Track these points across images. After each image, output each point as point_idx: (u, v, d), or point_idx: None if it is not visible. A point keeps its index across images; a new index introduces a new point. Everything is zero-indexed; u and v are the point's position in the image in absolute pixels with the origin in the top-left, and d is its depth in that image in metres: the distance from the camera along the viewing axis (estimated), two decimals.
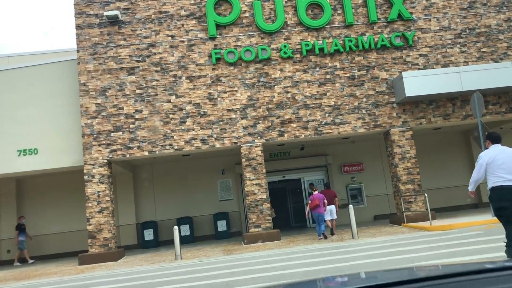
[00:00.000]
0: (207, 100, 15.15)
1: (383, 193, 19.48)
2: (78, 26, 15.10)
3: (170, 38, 15.28)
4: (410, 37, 15.69)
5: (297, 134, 15.18)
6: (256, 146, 15.08)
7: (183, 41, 15.30)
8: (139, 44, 15.17)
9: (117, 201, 18.13)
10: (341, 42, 15.65)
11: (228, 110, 15.15)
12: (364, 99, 15.47)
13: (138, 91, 15.03)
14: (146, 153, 14.80)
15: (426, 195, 13.61)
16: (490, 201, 6.26)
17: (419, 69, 15.64)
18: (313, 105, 15.33)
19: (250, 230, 14.72)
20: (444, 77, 14.80)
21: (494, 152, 6.15)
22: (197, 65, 15.26)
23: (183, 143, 14.93)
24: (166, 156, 16.22)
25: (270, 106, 15.25)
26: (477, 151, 15.87)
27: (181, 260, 12.54)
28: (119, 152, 14.72)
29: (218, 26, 15.35)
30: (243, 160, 15.05)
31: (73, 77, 15.32)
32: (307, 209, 15.60)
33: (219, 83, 15.24)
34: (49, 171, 15.52)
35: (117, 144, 14.73)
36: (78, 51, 15.01)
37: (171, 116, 15.02)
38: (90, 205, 14.37)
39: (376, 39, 15.68)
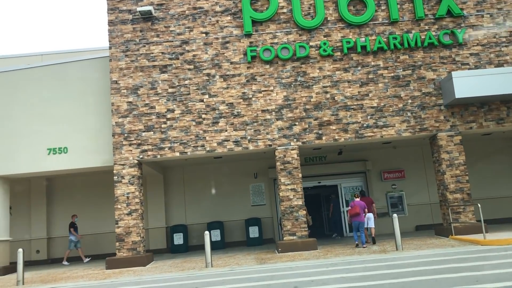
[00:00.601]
0: (241, 100, 14.45)
1: (426, 202, 18.28)
2: (110, 22, 14.70)
3: (204, 35, 14.68)
4: (460, 34, 14.56)
5: (336, 137, 14.27)
6: (292, 149, 14.26)
7: (217, 38, 14.67)
8: (172, 41, 14.63)
9: (146, 203, 17.64)
10: (385, 39, 14.67)
11: (263, 111, 14.40)
12: (410, 101, 14.42)
13: (170, 90, 14.47)
14: (177, 154, 14.21)
15: (479, 205, 12.44)
16: None
17: (469, 69, 14.48)
18: (354, 106, 14.39)
19: (284, 238, 13.88)
20: (498, 78, 13.61)
21: None
22: (231, 63, 14.60)
23: (215, 144, 14.27)
24: (197, 158, 15.62)
25: (307, 107, 14.41)
26: None
27: (212, 268, 11.83)
28: (150, 153, 14.18)
29: (254, 22, 14.65)
30: (278, 163, 14.25)
31: (104, 74, 14.92)
32: (348, 217, 14.80)
33: (254, 82, 14.52)
34: (78, 170, 15.14)
35: (148, 144, 14.20)
36: (110, 47, 14.60)
37: (203, 116, 14.39)
38: (119, 206, 13.87)
39: (423, 37, 14.62)
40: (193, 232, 17.92)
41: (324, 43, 14.56)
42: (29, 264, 17.08)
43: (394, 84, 14.52)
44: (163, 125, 14.31)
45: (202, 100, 14.45)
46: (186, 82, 14.51)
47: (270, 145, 14.27)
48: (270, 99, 14.45)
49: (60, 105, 14.89)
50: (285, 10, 14.73)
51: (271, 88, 14.50)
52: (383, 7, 14.80)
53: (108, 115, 14.65)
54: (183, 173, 18.63)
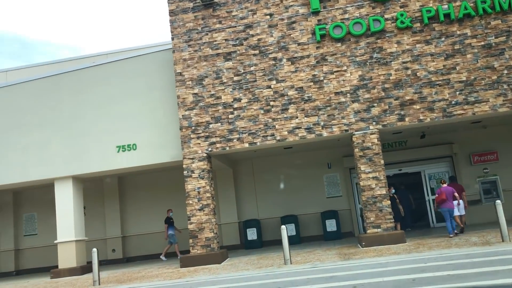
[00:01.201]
0: (312, 83, 13.38)
1: None
2: (171, 12, 14.19)
3: (268, 17, 13.76)
4: None
5: (421, 118, 12.80)
6: (371, 134, 12.99)
7: (282, 19, 13.69)
8: (235, 26, 13.85)
9: (218, 198, 17.10)
10: (472, 4, 12.96)
11: (336, 93, 13.24)
12: (505, 71, 12.63)
13: (236, 78, 13.71)
14: (246, 145, 13.43)
15: None
16: None
17: None
18: (440, 82, 12.84)
19: (367, 231, 12.67)
20: None
21: None
22: (299, 44, 13.56)
23: (286, 132, 13.32)
24: (267, 149, 14.78)
25: (386, 86, 13.06)
26: None
27: (291, 265, 10.91)
28: (218, 145, 13.52)
29: None
30: (356, 150, 13.04)
31: (169, 67, 14.46)
32: (435, 205, 13.39)
33: (324, 63, 13.40)
34: (148, 167, 14.84)
35: (216, 136, 13.55)
36: (172, 38, 14.09)
37: (271, 103, 13.49)
38: (190, 202, 13.34)
39: None
40: (267, 226, 17.13)
41: (401, 14, 13.12)
42: (106, 263, 17.14)
43: (486, 54, 12.79)
44: (230, 116, 13.59)
45: (269, 87, 13.55)
46: (252, 68, 13.68)
47: (346, 131, 13.09)
48: (343, 80, 13.26)
49: (127, 102, 14.64)
50: None
51: (344, 68, 13.29)
52: None
53: (175, 109, 14.18)
54: (253, 166, 17.88)
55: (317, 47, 13.48)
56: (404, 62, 13.04)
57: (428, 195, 16.74)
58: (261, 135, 13.40)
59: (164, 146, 14.23)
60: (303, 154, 17.29)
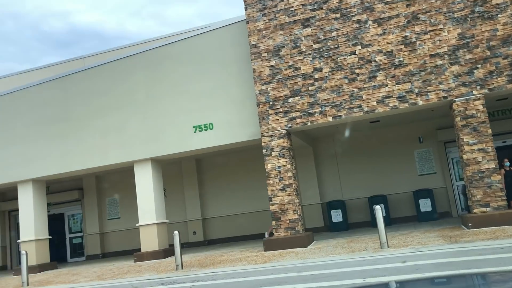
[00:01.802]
0: (402, 46, 11.89)
1: None
2: None
3: None
4: None
5: None
6: (475, 100, 11.30)
7: None
8: None
9: (298, 178, 16.15)
10: None
11: (432, 56, 11.65)
12: None
13: (315, 46, 12.56)
14: (330, 119, 12.29)
15: None
16: None
17: None
18: None
19: (474, 211, 11.10)
20: None
21: None
22: (386, 3, 12.09)
23: (374, 103, 12.00)
24: (350, 124, 13.55)
25: (492, 43, 11.27)
26: None
27: (389, 248, 9.72)
28: (298, 120, 12.51)
29: None
30: (457, 119, 11.43)
31: (243, 40, 13.61)
32: None
33: (416, 22, 11.83)
34: (225, 147, 14.20)
35: (296, 111, 12.54)
36: (246, 8, 13.19)
37: (357, 71, 12.20)
38: (271, 182, 12.51)
39: None
40: (352, 207, 15.95)
41: None
42: (187, 246, 16.92)
43: None
44: (310, 88, 12.49)
45: (354, 53, 12.25)
46: (333, 34, 12.44)
47: (445, 97, 11.51)
48: (439, 41, 11.63)
49: (201, 79, 14.04)
50: None
51: (440, 26, 11.65)
52: None
53: (251, 84, 13.34)
54: (334, 143, 16.69)
55: (407, 5, 11.93)
56: None
57: None
58: (346, 107, 12.19)
59: (241, 124, 13.49)
60: (391, 128, 15.84)
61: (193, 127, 13.91)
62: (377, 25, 12.11)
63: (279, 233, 12.26)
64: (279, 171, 12.48)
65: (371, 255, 9.19)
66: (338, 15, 12.42)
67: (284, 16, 12.84)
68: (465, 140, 11.33)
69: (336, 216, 15.49)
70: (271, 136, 12.66)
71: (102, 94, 14.96)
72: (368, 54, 12.14)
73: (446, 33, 11.59)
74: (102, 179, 19.25)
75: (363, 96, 12.08)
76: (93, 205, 18.97)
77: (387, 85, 11.94)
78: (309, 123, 12.44)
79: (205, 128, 13.82)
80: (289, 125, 12.56)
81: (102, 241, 18.85)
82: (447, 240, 9.73)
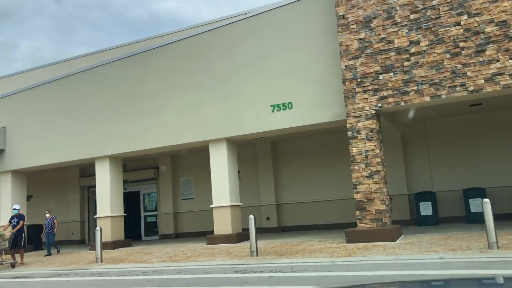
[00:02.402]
0: None
1: None
2: None
3: None
4: None
5: None
6: None
7: None
8: None
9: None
10: None
11: None
12: None
13: (412, 16, 11.10)
14: (427, 98, 10.83)
15: None
16: None
17: None
18: None
19: None
20: None
21: None
22: None
23: (481, 81, 10.36)
24: (444, 108, 12.01)
25: None
26: None
27: (499, 249, 8.26)
28: (390, 100, 11.17)
29: None
30: None
31: (328, 11, 12.44)
32: None
33: None
34: (305, 128, 13.18)
35: (387, 89, 11.21)
36: None
37: (461, 44, 10.60)
38: (356, 168, 11.33)
39: None
40: (444, 200, 14.35)
41: None
42: (260, 231, 16.25)
43: None
44: (405, 63, 11.08)
45: (458, 23, 10.65)
46: (434, 2, 10.90)
47: None
48: None
49: (282, 55, 13.08)
50: None
51: None
52: None
53: (335, 60, 12.17)
54: (426, 128, 15.09)
55: None
56: None
57: None
58: (447, 85, 10.66)
59: (324, 103, 12.39)
60: (494, 113, 13.97)
61: (271, 106, 13.04)
62: None
63: (364, 224, 11.09)
64: (366, 156, 11.27)
65: (479, 256, 7.82)
66: None
67: None
68: None
69: (425, 209, 13.97)
70: (357, 116, 11.45)
71: (179, 72, 14.50)
72: (476, 25, 10.48)
73: None
74: (177, 159, 19.06)
75: (468, 73, 10.48)
76: (168, 185, 18.86)
77: (498, 61, 10.24)
78: (402, 103, 11.07)
79: (284, 108, 12.88)
80: (379, 105, 11.27)
81: (176, 221, 18.71)
82: None
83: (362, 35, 11.57)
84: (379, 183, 11.07)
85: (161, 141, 14.52)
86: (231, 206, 13.58)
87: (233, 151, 14.19)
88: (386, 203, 11.18)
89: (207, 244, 13.43)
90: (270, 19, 13.45)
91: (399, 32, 11.18)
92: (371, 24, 11.47)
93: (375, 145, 11.24)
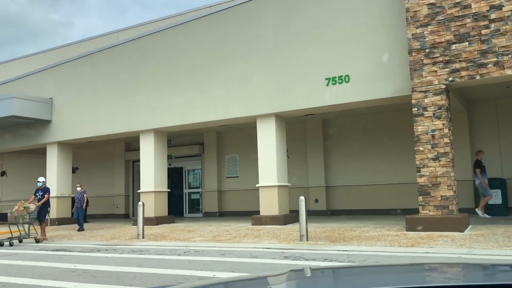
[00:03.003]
0: None
1: None
2: None
3: None
4: None
5: None
6: None
7: None
8: None
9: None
10: None
11: None
12: None
13: None
14: (508, 71, 9.45)
15: None
16: None
17: None
18: None
19: None
20: None
21: None
22: None
23: None
24: None
25: None
26: None
27: None
28: (463, 73, 9.86)
29: None
30: None
31: None
32: None
33: None
34: (362, 104, 12.06)
35: (460, 61, 9.89)
36: None
37: None
38: (421, 148, 10.17)
39: None
40: None
41: None
42: (308, 214, 15.32)
43: None
44: (483, 31, 9.71)
45: None
46: None
47: None
48: None
49: (339, 24, 11.95)
50: None
51: None
52: None
53: (400, 28, 10.93)
54: (497, 108, 13.58)
55: None
56: None
57: None
58: None
59: (385, 77, 11.21)
60: None
61: (326, 79, 11.98)
62: None
63: (427, 211, 9.97)
64: (433, 136, 10.06)
65: None
66: None
67: None
68: None
69: (494, 197, 12.59)
70: (424, 91, 10.22)
71: (227, 42, 13.65)
72: None
73: None
74: (223, 136, 18.41)
75: None
76: (213, 162, 18.28)
77: None
78: (477, 77, 9.74)
79: (340, 81, 11.80)
80: (450, 79, 9.98)
81: (220, 199, 18.16)
82: None
83: (432, 0, 10.24)
84: (447, 166, 9.88)
85: (207, 115, 13.82)
86: (279, 186, 12.75)
87: (282, 128, 13.30)
88: (454, 189, 9.98)
89: (252, 225, 12.72)
90: None
91: None
92: None
93: (443, 123, 10.01)
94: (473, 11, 9.83)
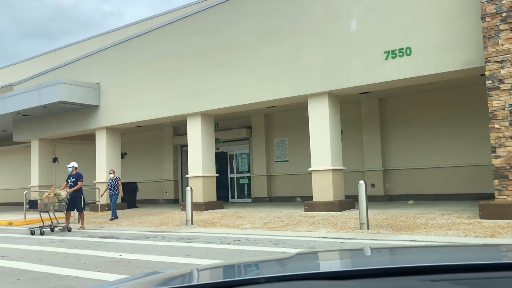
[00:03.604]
0: None
1: None
2: None
3: None
4: None
5: None
6: None
7: None
8: None
9: None
10: None
11: None
12: None
13: None
14: None
15: None
16: None
17: None
18: None
19: None
20: None
21: None
22: None
23: None
24: None
25: None
26: None
27: None
28: None
29: None
30: None
31: None
32: None
33: None
34: (426, 79, 10.93)
35: None
36: None
37: None
38: (496, 126, 9.00)
39: None
40: None
41: None
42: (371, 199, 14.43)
43: None
44: None
45: None
46: None
47: None
48: None
49: None
50: None
51: None
52: None
53: None
54: None
55: None
56: None
57: None
58: None
59: (452, 47, 10.03)
60: None
61: (384, 52, 10.93)
62: None
63: (505, 196, 8.83)
64: (511, 112, 8.87)
65: None
66: None
67: None
68: None
69: None
70: (501, 61, 9.00)
71: (275, 16, 12.81)
72: None
73: None
74: (271, 118, 17.69)
75: None
76: (261, 146, 17.64)
77: None
78: None
79: (400, 54, 10.72)
80: None
81: (269, 184, 17.54)
82: None
83: None
84: None
85: (255, 96, 13.12)
86: (333, 170, 11.90)
87: (335, 108, 12.38)
88: None
89: (304, 211, 11.98)
90: None
91: None
92: None
93: None
94: None
